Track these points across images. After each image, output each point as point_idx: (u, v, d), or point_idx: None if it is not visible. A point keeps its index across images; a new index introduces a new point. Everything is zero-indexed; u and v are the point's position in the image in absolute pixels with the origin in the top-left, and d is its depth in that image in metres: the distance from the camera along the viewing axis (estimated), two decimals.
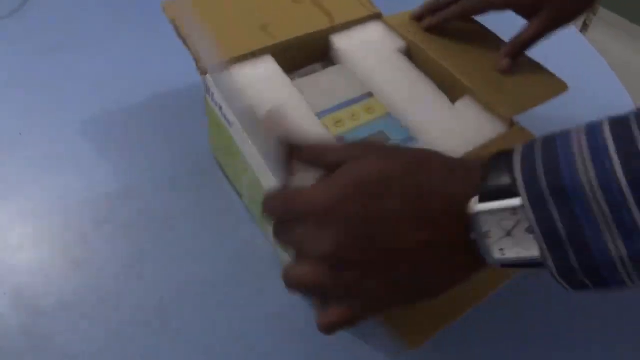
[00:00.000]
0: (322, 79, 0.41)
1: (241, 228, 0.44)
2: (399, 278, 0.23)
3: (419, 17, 0.46)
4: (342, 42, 0.43)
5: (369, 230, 0.23)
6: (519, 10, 0.42)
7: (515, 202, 0.21)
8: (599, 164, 0.19)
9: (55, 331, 0.38)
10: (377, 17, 0.46)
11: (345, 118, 0.39)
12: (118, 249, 0.42)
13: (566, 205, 0.19)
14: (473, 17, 0.46)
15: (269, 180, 0.35)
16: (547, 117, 0.43)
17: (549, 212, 0.20)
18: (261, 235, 0.44)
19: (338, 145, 0.26)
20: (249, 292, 0.41)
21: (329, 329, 0.25)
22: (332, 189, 0.24)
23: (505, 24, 0.45)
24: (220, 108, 0.39)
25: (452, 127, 0.39)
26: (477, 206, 0.22)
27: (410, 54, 0.44)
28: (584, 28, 1.59)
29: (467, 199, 0.22)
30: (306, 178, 0.26)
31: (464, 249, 0.23)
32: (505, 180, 0.21)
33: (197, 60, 0.39)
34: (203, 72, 0.39)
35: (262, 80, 0.39)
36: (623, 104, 0.61)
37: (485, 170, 0.22)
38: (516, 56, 0.40)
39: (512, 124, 0.39)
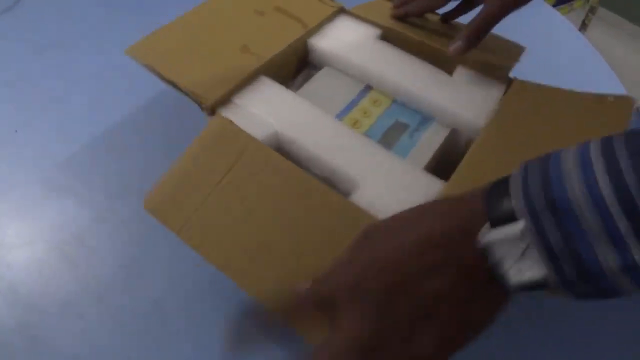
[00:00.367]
0: (320, 85, 0.41)
1: None
2: (441, 329, 0.23)
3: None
4: (321, 43, 0.42)
5: (394, 299, 0.23)
6: None
7: (520, 225, 0.21)
8: (586, 179, 0.19)
9: (51, 331, 0.37)
10: (342, 11, 0.45)
11: (359, 117, 0.39)
12: (115, 248, 0.42)
13: (558, 219, 0.20)
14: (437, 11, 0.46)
15: None
16: None
17: (542, 227, 0.20)
18: None
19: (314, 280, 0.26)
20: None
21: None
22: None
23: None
24: None
25: (460, 96, 0.39)
26: (486, 237, 0.22)
27: (388, 39, 0.44)
28: (583, 27, 1.59)
29: (477, 232, 0.22)
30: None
31: (487, 281, 0.22)
32: (507, 205, 0.21)
33: (200, 102, 0.37)
34: (211, 112, 0.37)
35: (273, 103, 0.38)
36: None
37: (487, 200, 0.23)
38: (471, 40, 0.39)
39: (509, 81, 0.40)
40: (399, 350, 0.23)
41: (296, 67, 0.43)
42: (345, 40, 0.42)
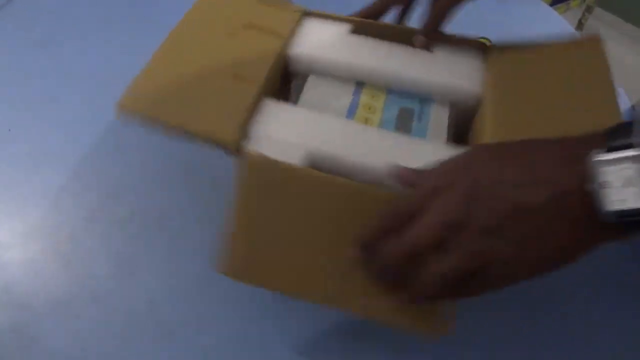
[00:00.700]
0: (314, 94, 0.40)
1: None
2: (525, 240, 0.24)
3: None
4: (299, 51, 0.41)
5: (493, 192, 0.25)
6: None
7: (635, 152, 0.22)
8: None
9: (45, 331, 0.37)
10: (306, 14, 0.45)
11: (367, 114, 0.40)
12: (110, 247, 0.42)
13: None
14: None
15: None
16: None
17: None
18: None
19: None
20: (243, 291, 0.40)
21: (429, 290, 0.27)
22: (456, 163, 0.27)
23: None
24: None
25: (449, 69, 0.40)
26: (597, 156, 0.23)
27: (360, 32, 0.43)
28: (579, 27, 1.60)
29: (584, 154, 0.23)
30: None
31: (581, 211, 0.23)
32: (624, 140, 0.22)
33: (225, 146, 0.34)
34: (240, 151, 0.35)
35: (290, 124, 0.37)
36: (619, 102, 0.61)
37: (606, 135, 0.24)
38: (431, 33, 0.42)
39: (484, 46, 0.42)
40: (479, 237, 0.24)
41: (284, 80, 0.42)
42: (323, 42, 0.42)
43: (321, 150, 0.35)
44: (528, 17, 0.68)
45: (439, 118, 0.40)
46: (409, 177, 0.30)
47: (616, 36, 1.77)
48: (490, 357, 0.38)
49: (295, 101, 0.40)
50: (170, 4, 0.63)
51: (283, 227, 0.33)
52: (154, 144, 0.49)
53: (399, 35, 0.42)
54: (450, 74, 0.40)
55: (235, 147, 0.34)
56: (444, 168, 0.28)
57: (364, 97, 0.40)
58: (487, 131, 0.36)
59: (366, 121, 0.39)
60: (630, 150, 0.22)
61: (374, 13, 0.44)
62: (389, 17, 0.45)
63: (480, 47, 0.42)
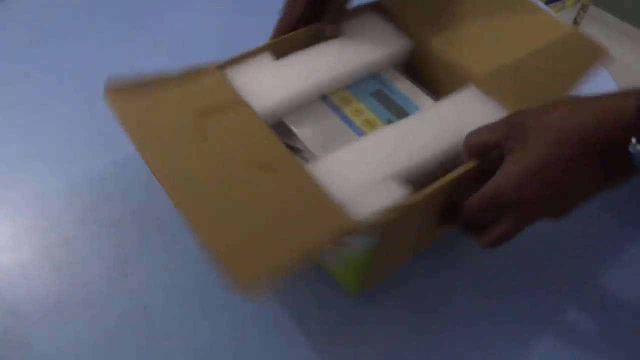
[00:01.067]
0: (307, 132, 0.38)
1: None
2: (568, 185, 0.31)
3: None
4: (262, 107, 0.37)
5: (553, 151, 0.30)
6: None
7: None
8: None
9: (36, 337, 0.36)
10: (222, 67, 0.39)
11: (362, 118, 0.40)
12: (103, 251, 0.41)
13: None
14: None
15: None
16: None
17: None
18: None
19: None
20: (239, 296, 0.39)
21: (498, 242, 0.33)
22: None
23: None
24: None
25: (372, 40, 0.43)
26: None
27: (281, 52, 0.41)
28: (575, 26, 1.60)
29: (627, 112, 0.28)
30: None
31: (622, 160, 0.29)
32: None
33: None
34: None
35: (351, 169, 0.35)
36: None
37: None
38: (338, 21, 0.43)
39: (380, 5, 0.46)
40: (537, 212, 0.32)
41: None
42: (263, 86, 0.38)
43: (405, 169, 0.34)
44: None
45: (406, 87, 0.43)
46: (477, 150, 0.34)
47: (612, 35, 1.77)
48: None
49: (307, 155, 0.38)
50: (160, 4, 0.62)
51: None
52: None
53: (316, 36, 0.43)
54: (376, 44, 0.43)
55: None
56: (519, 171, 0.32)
57: (344, 107, 0.41)
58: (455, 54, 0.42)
59: (370, 123, 0.40)
60: None
61: (289, 25, 0.42)
62: None
63: (378, 7, 0.45)
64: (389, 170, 0.34)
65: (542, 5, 0.54)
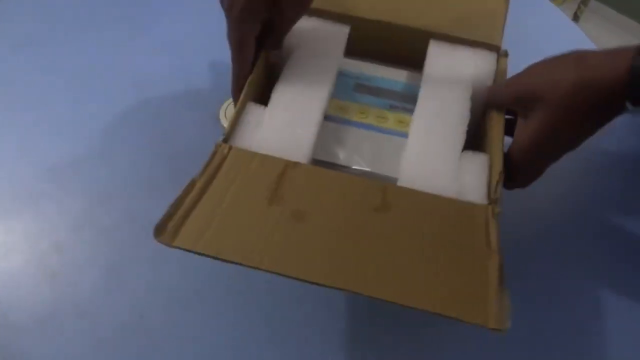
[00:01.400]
0: (363, 148, 0.37)
1: None
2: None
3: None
4: (277, 148, 0.34)
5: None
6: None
7: None
8: None
9: (29, 347, 0.35)
10: (228, 144, 0.35)
11: (375, 118, 0.39)
12: (97, 258, 0.40)
13: None
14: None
15: None
16: None
17: None
18: None
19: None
20: (236, 301, 0.38)
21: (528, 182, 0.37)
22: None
23: None
24: None
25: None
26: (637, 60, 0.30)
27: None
28: (575, 19, 1.58)
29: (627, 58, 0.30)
30: None
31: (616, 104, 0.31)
32: None
33: None
34: None
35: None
36: None
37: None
38: (279, 46, 0.41)
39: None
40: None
41: None
42: (284, 135, 0.35)
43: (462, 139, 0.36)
44: (525, 8, 0.66)
45: (371, 68, 0.43)
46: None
47: (612, 29, 1.76)
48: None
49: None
50: (158, 4, 0.61)
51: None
52: (142, 147, 0.47)
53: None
54: (327, 42, 0.42)
55: None
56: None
57: (346, 116, 0.39)
58: None
59: (402, 123, 0.39)
60: None
61: (247, 72, 0.38)
62: None
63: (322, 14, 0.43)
64: (456, 150, 0.35)
65: None
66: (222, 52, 0.38)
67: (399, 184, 0.34)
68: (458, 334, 0.38)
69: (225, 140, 0.33)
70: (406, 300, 0.26)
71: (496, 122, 0.37)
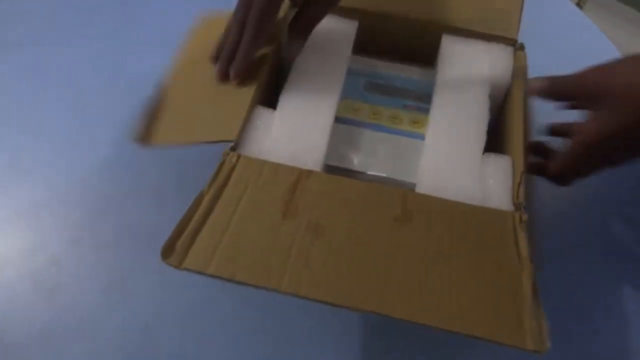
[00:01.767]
0: (377, 162, 0.36)
1: None
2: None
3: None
4: (293, 158, 0.32)
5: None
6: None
7: None
8: None
9: None
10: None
11: (388, 119, 0.37)
12: (97, 273, 0.38)
13: None
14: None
15: None
16: None
17: None
18: None
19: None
20: (243, 315, 0.37)
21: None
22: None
23: None
24: None
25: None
26: None
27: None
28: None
29: None
30: None
31: None
32: None
33: None
34: None
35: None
36: None
37: None
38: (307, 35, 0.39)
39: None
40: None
41: None
42: (298, 141, 0.33)
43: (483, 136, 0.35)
44: None
45: (381, 65, 0.41)
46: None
47: (616, 21, 1.74)
48: None
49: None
50: (157, 4, 0.59)
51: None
52: (143, 155, 0.44)
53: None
54: (333, 38, 0.40)
55: None
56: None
57: (359, 118, 0.37)
58: None
59: (416, 124, 0.37)
60: None
61: (260, 44, 0.36)
62: None
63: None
64: (477, 152, 0.34)
65: None
66: None
67: (417, 189, 0.32)
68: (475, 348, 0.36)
69: (233, 148, 0.31)
70: (438, 322, 0.24)
71: (517, 121, 0.35)
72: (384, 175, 0.34)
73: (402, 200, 0.29)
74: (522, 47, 0.40)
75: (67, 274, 0.37)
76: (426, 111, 0.37)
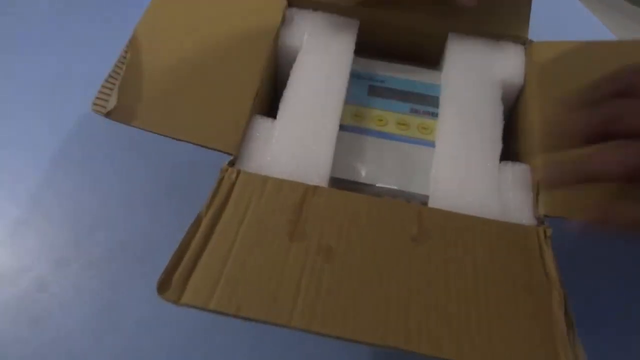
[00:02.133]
0: (377, 165, 0.34)
1: None
2: None
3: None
4: (298, 173, 0.31)
5: None
6: None
7: None
8: None
9: None
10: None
11: (395, 125, 0.35)
12: (84, 295, 0.36)
13: None
14: None
15: None
16: None
17: None
18: None
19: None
20: (243, 341, 0.35)
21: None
22: None
23: None
24: None
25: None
26: None
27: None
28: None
29: None
30: None
31: None
32: None
33: None
34: None
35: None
36: None
37: None
38: None
39: None
40: None
41: None
42: (305, 153, 0.31)
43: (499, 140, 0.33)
44: None
45: (383, 67, 0.39)
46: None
47: (617, 18, 1.74)
48: None
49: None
50: (135, 8, 0.56)
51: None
52: (134, 162, 0.42)
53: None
54: (335, 37, 0.38)
55: None
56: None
57: (365, 125, 0.35)
58: None
59: (426, 130, 0.35)
60: None
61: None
62: None
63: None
64: (494, 161, 0.32)
65: None
66: None
67: (430, 203, 0.30)
68: None
69: (232, 163, 0.28)
70: (466, 357, 0.21)
71: (535, 125, 0.33)
72: (395, 187, 0.32)
73: (418, 217, 0.27)
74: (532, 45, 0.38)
75: (53, 299, 0.35)
76: (435, 115, 0.35)
